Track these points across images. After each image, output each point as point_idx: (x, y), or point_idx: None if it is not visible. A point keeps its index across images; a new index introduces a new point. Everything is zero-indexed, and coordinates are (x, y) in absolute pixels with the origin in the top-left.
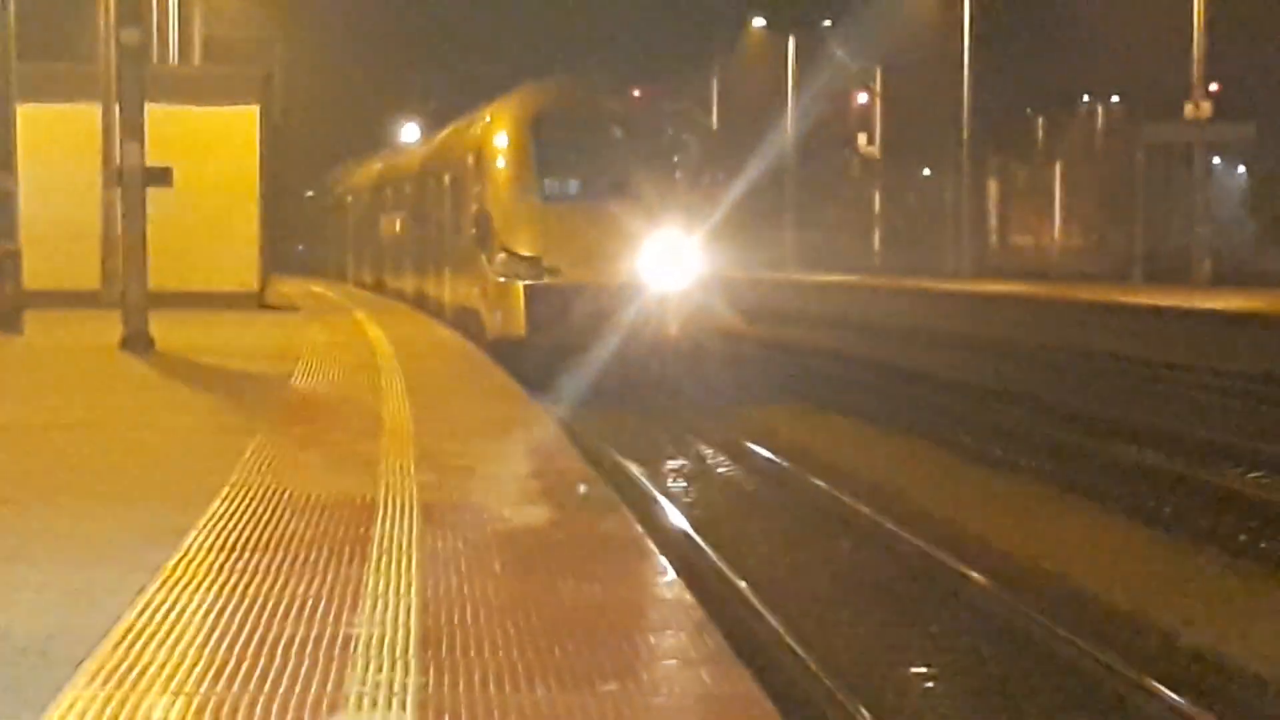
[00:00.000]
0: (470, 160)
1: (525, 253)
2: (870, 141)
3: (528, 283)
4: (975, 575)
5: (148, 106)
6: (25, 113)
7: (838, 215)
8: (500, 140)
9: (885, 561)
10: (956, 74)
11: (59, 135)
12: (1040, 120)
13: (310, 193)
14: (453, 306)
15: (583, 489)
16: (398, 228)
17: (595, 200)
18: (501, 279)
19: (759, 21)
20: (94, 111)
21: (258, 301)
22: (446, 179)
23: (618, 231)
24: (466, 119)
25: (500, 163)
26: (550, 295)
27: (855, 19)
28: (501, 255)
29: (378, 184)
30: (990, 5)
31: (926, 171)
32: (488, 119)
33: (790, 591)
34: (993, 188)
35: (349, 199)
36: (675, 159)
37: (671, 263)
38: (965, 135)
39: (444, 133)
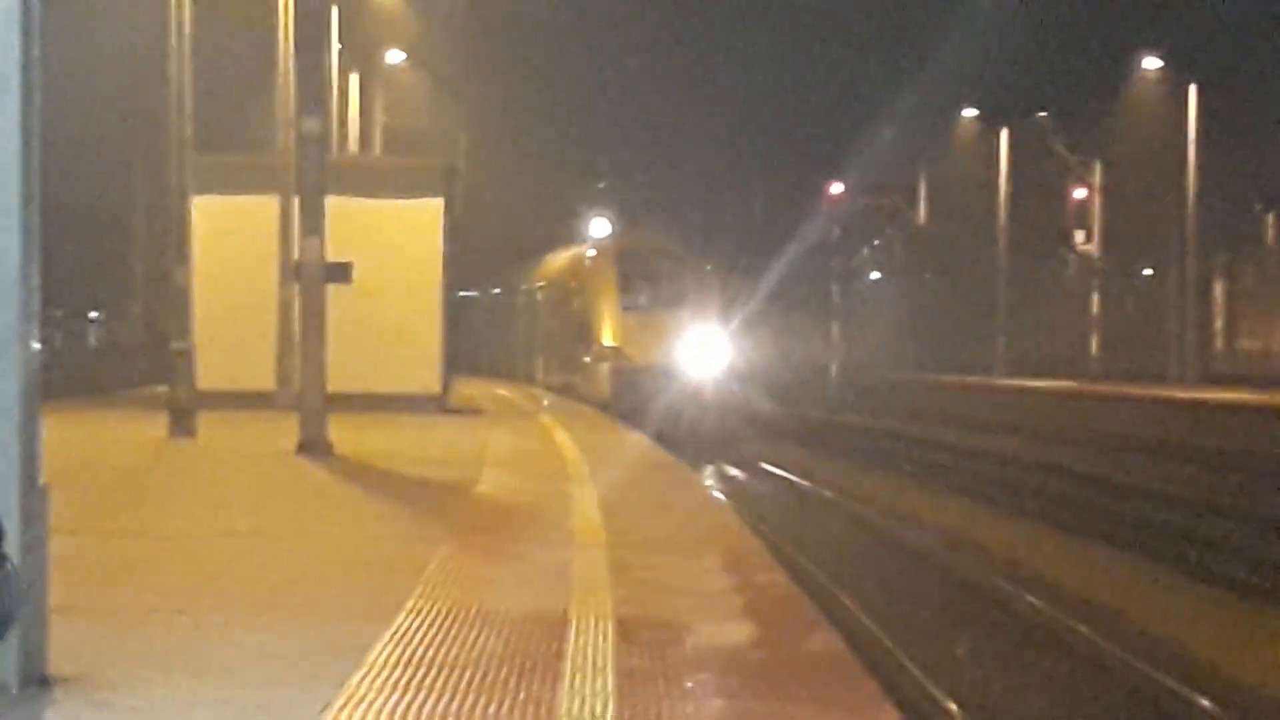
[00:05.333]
0: (574, 281)
1: (609, 345)
2: (1088, 239)
3: (611, 364)
4: (1204, 702)
5: (328, 199)
6: (200, 204)
7: (1053, 317)
8: (594, 269)
9: (1112, 690)
10: (1181, 167)
11: (235, 228)
12: (1270, 217)
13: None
14: (559, 383)
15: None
16: (535, 326)
17: (654, 310)
18: (596, 362)
19: (970, 112)
20: (272, 204)
21: (440, 404)
22: (560, 292)
23: (668, 331)
24: (575, 249)
25: (593, 284)
26: (625, 373)
27: (1073, 109)
28: (594, 346)
29: (530, 288)
30: (1218, 94)
31: (1148, 271)
32: (590, 253)
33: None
34: (1218, 288)
35: (516, 299)
36: (708, 283)
37: (706, 354)
38: (1189, 232)
39: (562, 255)
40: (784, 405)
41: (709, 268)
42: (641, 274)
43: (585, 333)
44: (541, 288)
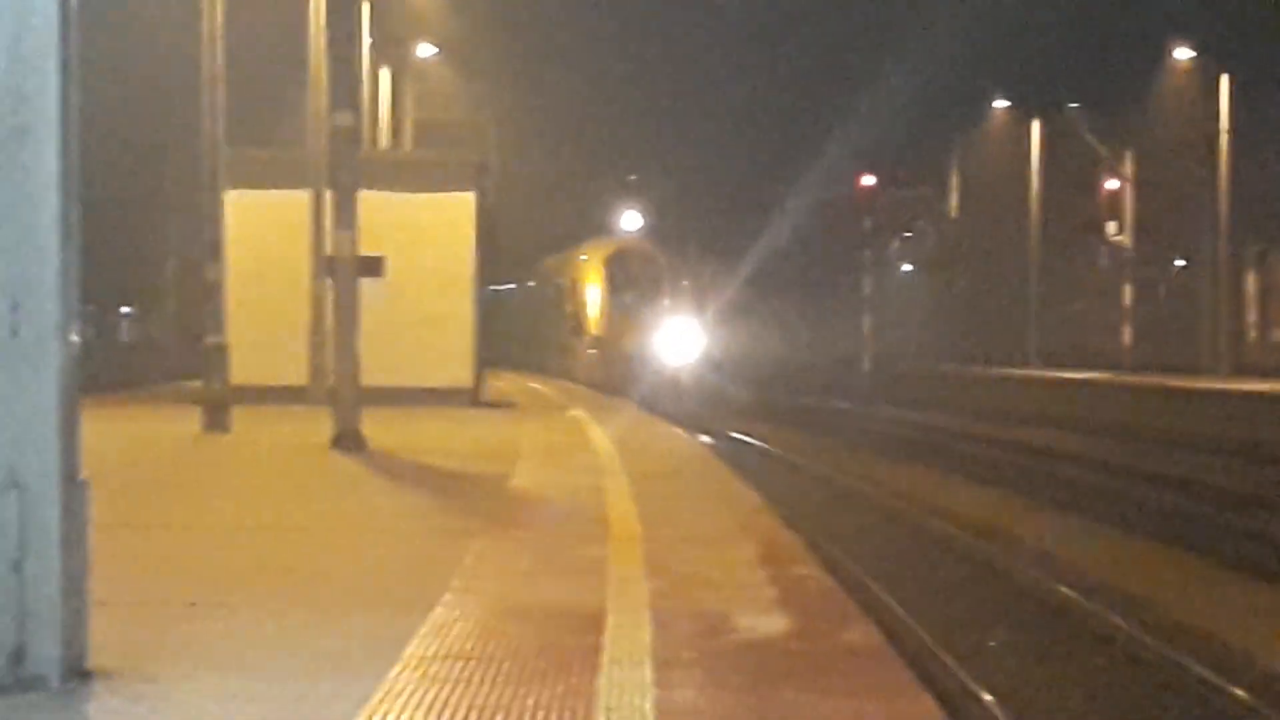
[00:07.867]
0: (570, 280)
1: (600, 335)
2: (1120, 230)
3: (600, 353)
4: (1239, 693)
5: (360, 193)
6: (233, 200)
7: (1085, 308)
8: (587, 269)
9: (1142, 679)
10: (1213, 158)
11: (267, 223)
12: None
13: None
14: (558, 369)
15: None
16: (543, 320)
17: (638, 305)
18: (588, 350)
19: (1002, 103)
20: (304, 199)
21: (472, 398)
22: (563, 289)
23: (650, 324)
24: (573, 251)
25: (586, 282)
26: (614, 360)
27: (1105, 100)
28: (587, 337)
29: (545, 284)
30: (1251, 84)
31: (1180, 262)
32: (582, 256)
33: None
34: (1251, 280)
35: (538, 293)
36: (687, 283)
37: (682, 343)
38: (1222, 223)
39: (564, 256)
40: (798, 394)
41: (695, 267)
42: (626, 274)
43: (579, 325)
44: (553, 284)
